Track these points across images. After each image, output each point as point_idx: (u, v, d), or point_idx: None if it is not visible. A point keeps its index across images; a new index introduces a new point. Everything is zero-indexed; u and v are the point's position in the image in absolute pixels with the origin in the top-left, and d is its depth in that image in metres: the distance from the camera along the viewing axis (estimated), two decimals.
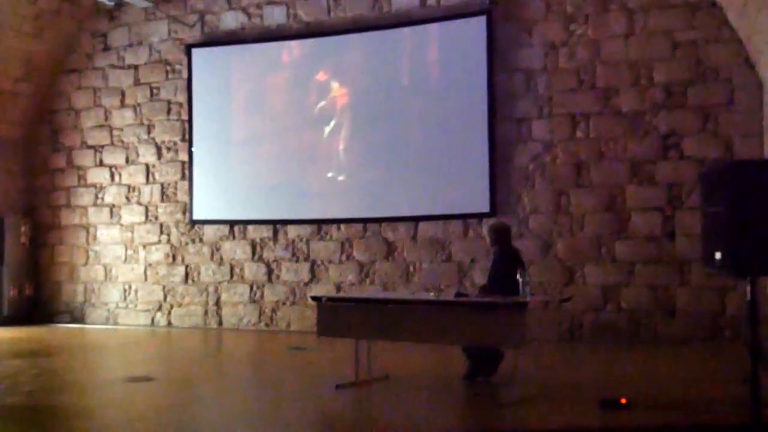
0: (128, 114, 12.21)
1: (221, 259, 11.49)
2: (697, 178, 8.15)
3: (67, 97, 12.63)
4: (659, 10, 9.29)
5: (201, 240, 11.63)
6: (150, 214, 11.98)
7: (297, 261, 11.05)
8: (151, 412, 5.91)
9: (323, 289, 10.61)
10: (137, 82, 12.14)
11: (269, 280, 11.20)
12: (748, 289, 4.74)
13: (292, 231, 11.09)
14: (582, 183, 9.58)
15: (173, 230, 11.82)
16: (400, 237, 10.47)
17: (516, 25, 9.92)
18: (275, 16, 11.27)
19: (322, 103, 10.92)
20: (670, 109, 9.23)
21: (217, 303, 11.48)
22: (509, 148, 9.89)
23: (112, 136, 12.32)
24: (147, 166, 12.03)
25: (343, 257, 10.79)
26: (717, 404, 5.62)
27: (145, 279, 11.96)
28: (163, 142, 11.93)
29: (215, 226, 11.52)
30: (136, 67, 12.17)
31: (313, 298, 7.14)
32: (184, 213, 11.73)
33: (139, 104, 12.12)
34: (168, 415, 5.85)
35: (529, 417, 5.53)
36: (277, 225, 11.18)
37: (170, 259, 11.80)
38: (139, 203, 12.08)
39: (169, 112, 11.91)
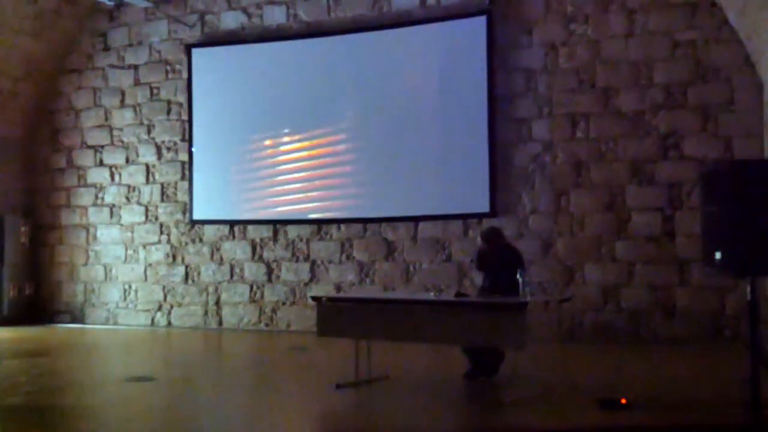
0: (128, 114, 12.21)
1: (221, 259, 11.49)
2: (697, 178, 8.15)
3: (67, 97, 12.64)
4: (659, 10, 9.29)
5: (201, 240, 11.63)
6: (150, 214, 11.99)
7: (297, 261, 11.05)
8: (151, 412, 5.91)
9: (323, 289, 10.61)
10: (137, 82, 12.14)
11: (269, 280, 11.20)
12: (748, 289, 4.74)
13: (292, 231, 11.10)
14: (582, 183, 9.58)
15: (173, 230, 11.82)
16: (400, 237, 10.47)
17: (516, 25, 9.92)
18: (275, 16, 11.27)
19: (322, 104, 10.92)
20: (670, 109, 9.23)
21: (217, 303, 11.49)
22: (509, 148, 9.89)
23: (112, 136, 12.32)
24: (147, 166, 12.03)
25: (343, 257, 10.79)
26: (717, 404, 5.62)
27: (145, 279, 11.96)
28: (163, 142, 11.93)
29: (215, 226, 11.53)
30: (136, 67, 12.17)
31: (313, 298, 7.14)
32: (184, 213, 11.73)
33: (139, 104, 12.13)
34: (168, 415, 5.86)
35: (529, 417, 5.53)
36: (277, 225, 11.19)
37: (170, 259, 11.81)
38: (139, 203, 12.08)
39: (169, 112, 11.92)
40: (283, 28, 11.25)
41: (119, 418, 5.72)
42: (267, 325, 11.18)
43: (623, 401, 5.46)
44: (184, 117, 11.75)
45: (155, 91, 12.03)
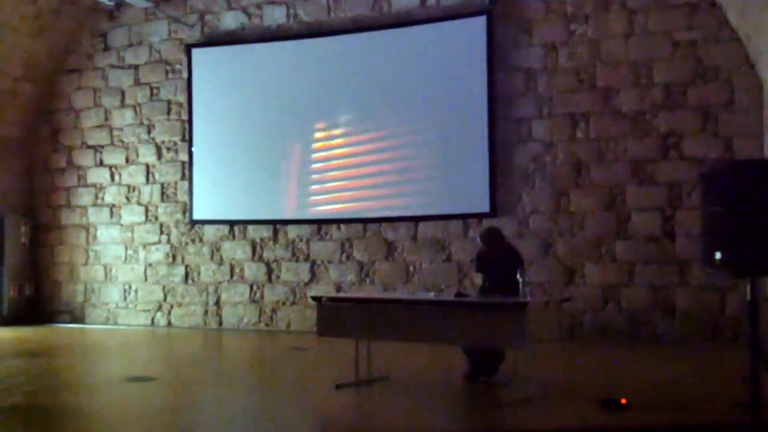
0: (128, 114, 12.21)
1: (221, 259, 11.49)
2: (697, 178, 8.15)
3: (67, 97, 12.64)
4: (659, 10, 9.29)
5: (201, 240, 11.63)
6: (150, 214, 11.99)
7: (297, 261, 11.05)
8: (151, 412, 5.91)
9: (323, 289, 10.61)
10: (137, 82, 12.15)
11: (269, 280, 11.20)
12: (748, 289, 4.74)
13: (292, 231, 11.10)
14: (582, 183, 9.58)
15: (173, 230, 11.82)
16: (400, 237, 10.47)
17: (516, 25, 9.92)
18: (275, 16, 11.27)
19: (322, 104, 10.92)
20: (670, 109, 9.23)
21: (217, 303, 11.49)
22: (509, 148, 9.90)
23: (112, 136, 12.33)
24: (147, 166, 12.03)
25: (343, 257, 10.79)
26: (717, 404, 5.62)
27: (145, 279, 11.96)
28: (163, 142, 11.93)
29: (215, 226, 11.53)
30: (136, 67, 12.17)
31: (313, 298, 7.14)
32: (184, 213, 11.73)
33: (139, 104, 12.13)
34: (168, 415, 5.85)
35: (529, 417, 5.53)
36: (277, 225, 11.19)
37: (170, 259, 11.81)
38: (139, 203, 12.08)
39: (169, 112, 11.92)
40: (283, 28, 11.26)
41: (119, 418, 5.72)
42: (267, 325, 11.18)
43: (623, 401, 5.46)
44: (184, 117, 11.75)
45: (155, 91, 12.03)
